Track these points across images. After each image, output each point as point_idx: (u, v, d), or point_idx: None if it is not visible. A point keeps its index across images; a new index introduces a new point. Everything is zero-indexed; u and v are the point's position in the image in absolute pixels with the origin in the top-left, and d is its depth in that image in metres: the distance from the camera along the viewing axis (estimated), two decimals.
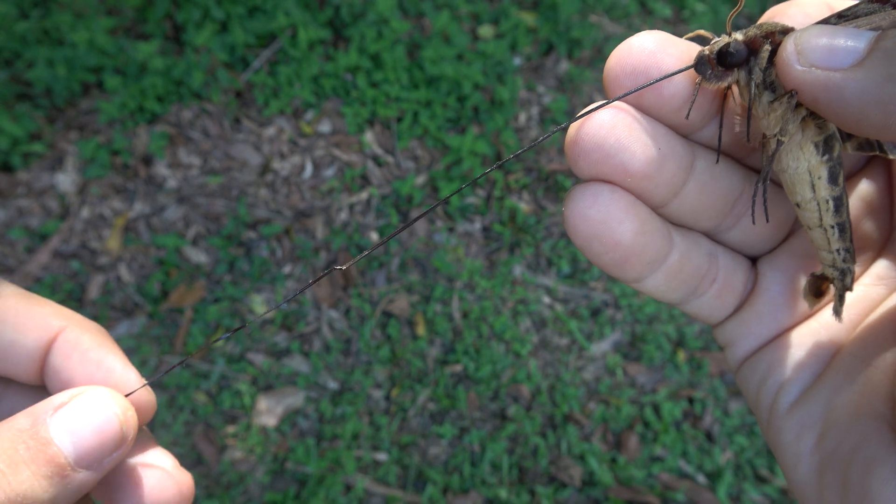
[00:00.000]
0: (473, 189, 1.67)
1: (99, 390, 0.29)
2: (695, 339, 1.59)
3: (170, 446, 1.42)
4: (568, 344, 1.57)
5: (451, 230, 1.64)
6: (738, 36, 0.28)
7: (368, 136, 1.70)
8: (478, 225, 1.66)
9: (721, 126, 0.29)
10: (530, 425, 1.48)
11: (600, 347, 1.57)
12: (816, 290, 0.32)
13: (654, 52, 0.28)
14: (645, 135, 0.28)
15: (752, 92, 0.28)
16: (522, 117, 1.76)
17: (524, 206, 1.67)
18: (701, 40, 0.29)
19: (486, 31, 1.82)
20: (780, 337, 0.33)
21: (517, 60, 1.81)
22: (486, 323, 1.56)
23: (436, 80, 1.72)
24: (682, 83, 0.28)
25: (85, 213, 1.60)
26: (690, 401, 1.54)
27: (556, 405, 1.51)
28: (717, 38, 0.28)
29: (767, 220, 0.29)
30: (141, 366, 1.47)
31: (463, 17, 1.82)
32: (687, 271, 0.32)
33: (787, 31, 0.27)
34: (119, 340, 1.49)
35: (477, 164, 1.65)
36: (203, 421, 1.45)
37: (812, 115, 0.27)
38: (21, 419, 0.27)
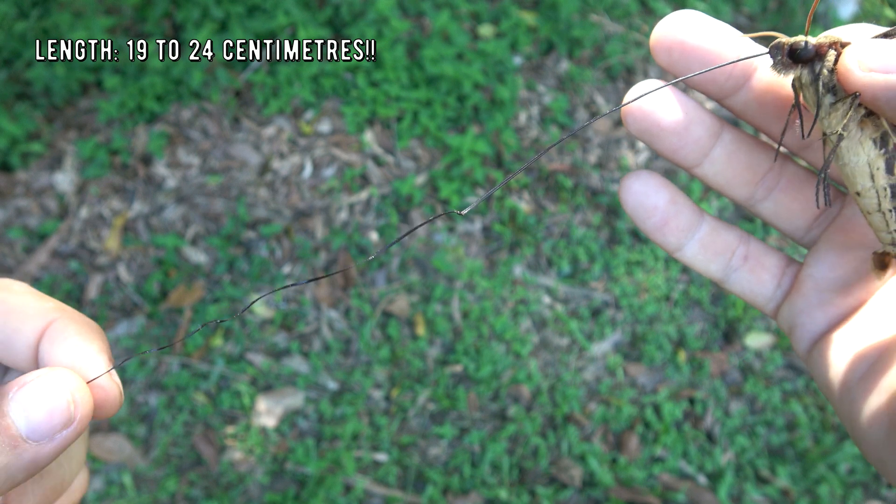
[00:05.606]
0: (474, 189, 1.66)
1: (56, 372, 0.32)
2: (695, 340, 1.58)
3: (169, 447, 1.42)
4: (568, 344, 1.56)
5: (451, 230, 1.63)
6: (811, 40, 0.33)
7: (368, 136, 1.69)
8: (478, 225, 1.65)
9: (787, 123, 0.35)
10: (530, 426, 1.47)
11: (601, 348, 1.57)
12: (881, 264, 0.36)
13: (690, 32, 0.34)
14: (675, 101, 0.35)
15: (819, 93, 0.33)
16: (523, 117, 1.75)
17: (524, 205, 1.67)
18: (761, 38, 0.36)
19: (486, 30, 1.81)
20: (844, 320, 0.37)
21: (517, 60, 1.81)
22: (486, 323, 1.55)
23: (436, 79, 1.71)
24: (708, 55, 0.35)
25: (84, 212, 1.59)
26: (691, 401, 1.54)
27: (556, 405, 1.50)
28: (789, 39, 0.34)
29: (830, 205, 0.35)
30: (140, 366, 1.47)
31: (463, 17, 1.81)
32: (719, 244, 0.39)
33: (846, 44, 0.32)
34: (118, 341, 1.49)
35: (477, 163, 1.65)
36: (202, 421, 1.44)
37: (869, 115, 0.32)
38: None
